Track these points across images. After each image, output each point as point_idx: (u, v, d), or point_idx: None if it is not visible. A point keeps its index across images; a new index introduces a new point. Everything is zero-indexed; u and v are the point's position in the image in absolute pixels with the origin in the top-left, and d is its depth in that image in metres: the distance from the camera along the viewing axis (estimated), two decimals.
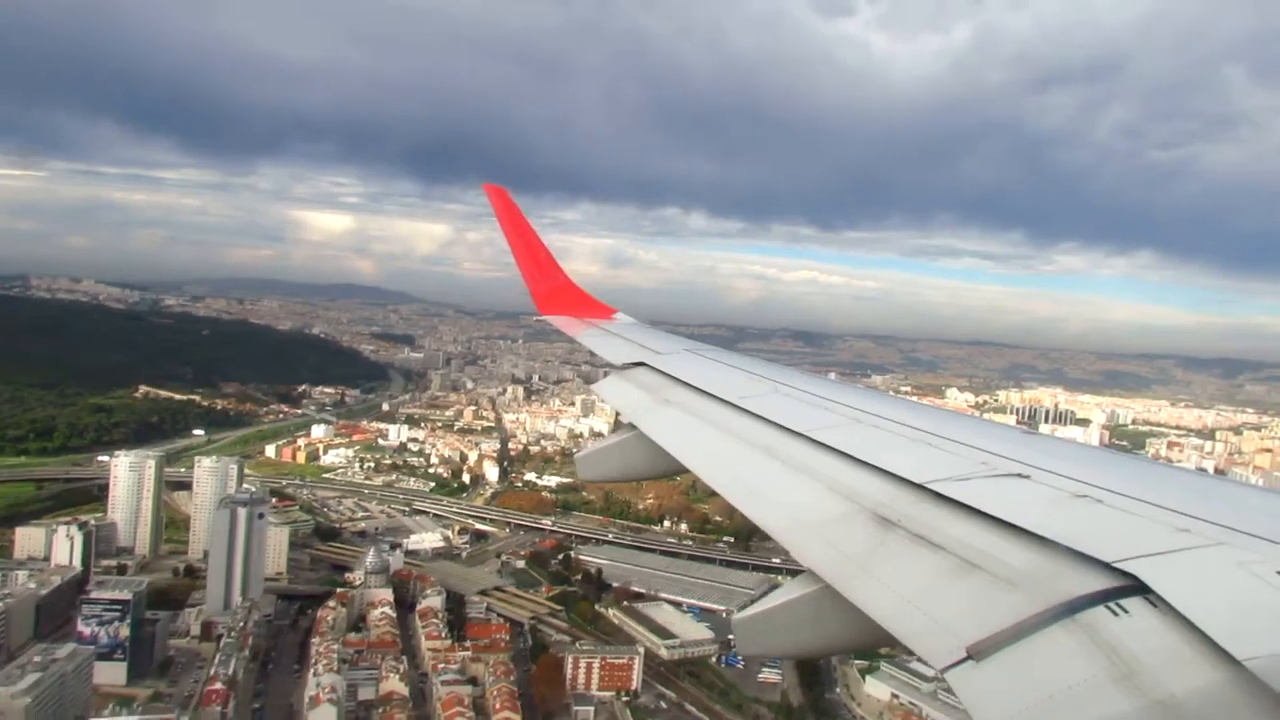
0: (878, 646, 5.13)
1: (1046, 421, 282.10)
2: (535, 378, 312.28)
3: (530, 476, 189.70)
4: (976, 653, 3.38)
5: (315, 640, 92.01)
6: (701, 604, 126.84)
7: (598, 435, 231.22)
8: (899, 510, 4.89)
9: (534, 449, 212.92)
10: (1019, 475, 5.17)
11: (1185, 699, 2.85)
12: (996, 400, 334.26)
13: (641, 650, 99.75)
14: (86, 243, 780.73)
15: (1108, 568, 3.63)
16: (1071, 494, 4.75)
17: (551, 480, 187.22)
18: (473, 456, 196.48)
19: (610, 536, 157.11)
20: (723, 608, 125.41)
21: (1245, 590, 3.39)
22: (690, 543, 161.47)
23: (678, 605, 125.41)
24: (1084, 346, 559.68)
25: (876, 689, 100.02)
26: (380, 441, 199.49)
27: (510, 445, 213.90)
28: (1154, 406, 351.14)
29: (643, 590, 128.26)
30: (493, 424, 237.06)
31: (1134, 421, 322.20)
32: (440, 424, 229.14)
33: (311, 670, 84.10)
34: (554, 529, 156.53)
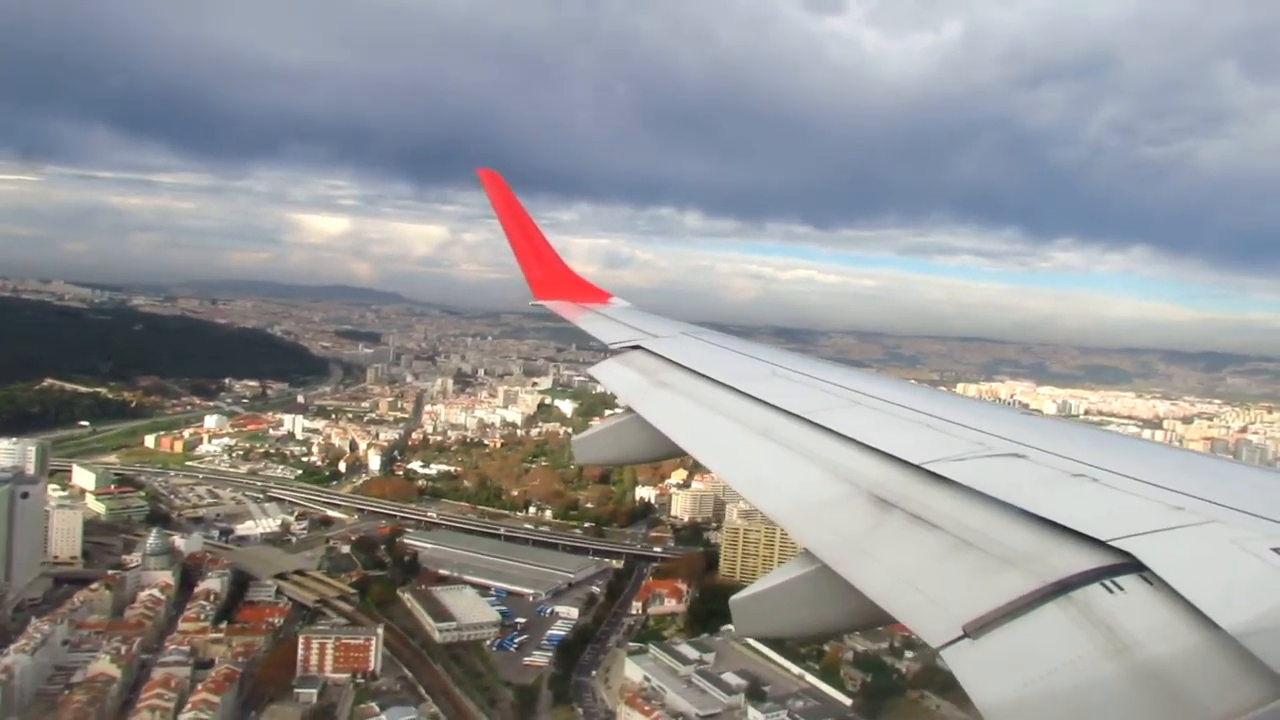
0: (876, 626, 4.93)
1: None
2: (481, 371, 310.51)
3: (415, 465, 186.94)
4: (973, 631, 3.37)
5: (35, 622, 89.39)
6: (510, 588, 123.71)
7: (509, 425, 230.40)
8: (896, 491, 4.84)
9: (436, 439, 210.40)
10: (1016, 455, 5.13)
11: (1180, 674, 2.85)
12: (954, 391, 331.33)
13: (380, 631, 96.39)
14: (83, 247, 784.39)
15: (1103, 546, 3.62)
16: (1067, 473, 4.73)
17: (435, 469, 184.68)
18: (363, 446, 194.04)
19: (455, 522, 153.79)
20: (530, 591, 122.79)
21: (1239, 566, 3.41)
22: (547, 529, 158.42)
23: (485, 589, 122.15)
24: (1078, 341, 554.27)
25: (634, 671, 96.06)
26: (271, 432, 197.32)
27: (415, 435, 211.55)
28: (1112, 398, 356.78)
29: (451, 574, 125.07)
30: (407, 415, 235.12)
31: (1086, 412, 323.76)
32: (351, 415, 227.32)
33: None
34: (403, 515, 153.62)
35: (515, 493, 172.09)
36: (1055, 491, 4.49)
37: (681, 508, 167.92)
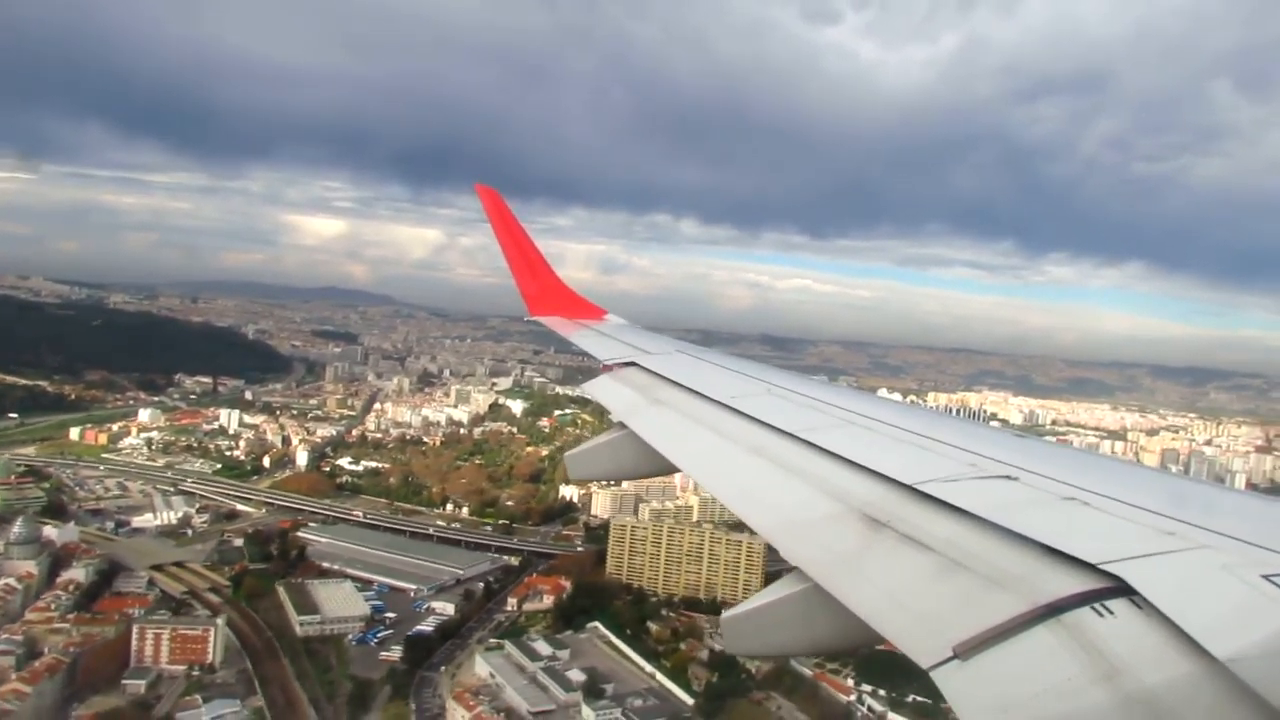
0: (866, 646, 4.91)
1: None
2: (447, 372, 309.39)
3: (344, 461, 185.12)
4: (963, 652, 3.36)
5: None
6: (394, 583, 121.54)
7: (455, 423, 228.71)
8: (888, 510, 4.83)
9: (376, 436, 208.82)
10: (1007, 477, 5.12)
11: (1168, 699, 2.85)
12: (924, 401, 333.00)
13: (221, 621, 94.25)
14: (78, 246, 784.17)
15: (1093, 569, 3.63)
16: (1059, 496, 4.74)
17: (364, 465, 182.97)
18: (295, 441, 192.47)
19: (361, 517, 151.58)
20: (414, 587, 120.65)
21: (1229, 593, 3.41)
22: (458, 525, 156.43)
23: (368, 584, 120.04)
24: (1067, 355, 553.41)
25: (482, 668, 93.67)
26: (205, 426, 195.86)
27: (355, 432, 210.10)
28: (1083, 409, 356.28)
29: (337, 568, 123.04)
30: (355, 413, 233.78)
31: (1054, 423, 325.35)
32: (297, 412, 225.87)
33: None
34: (312, 510, 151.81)
35: (435, 490, 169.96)
36: (1046, 514, 4.48)
37: (602, 506, 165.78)
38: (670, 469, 7.57)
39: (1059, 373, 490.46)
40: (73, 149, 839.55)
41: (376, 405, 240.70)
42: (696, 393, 8.41)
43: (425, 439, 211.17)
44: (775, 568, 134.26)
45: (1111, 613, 3.29)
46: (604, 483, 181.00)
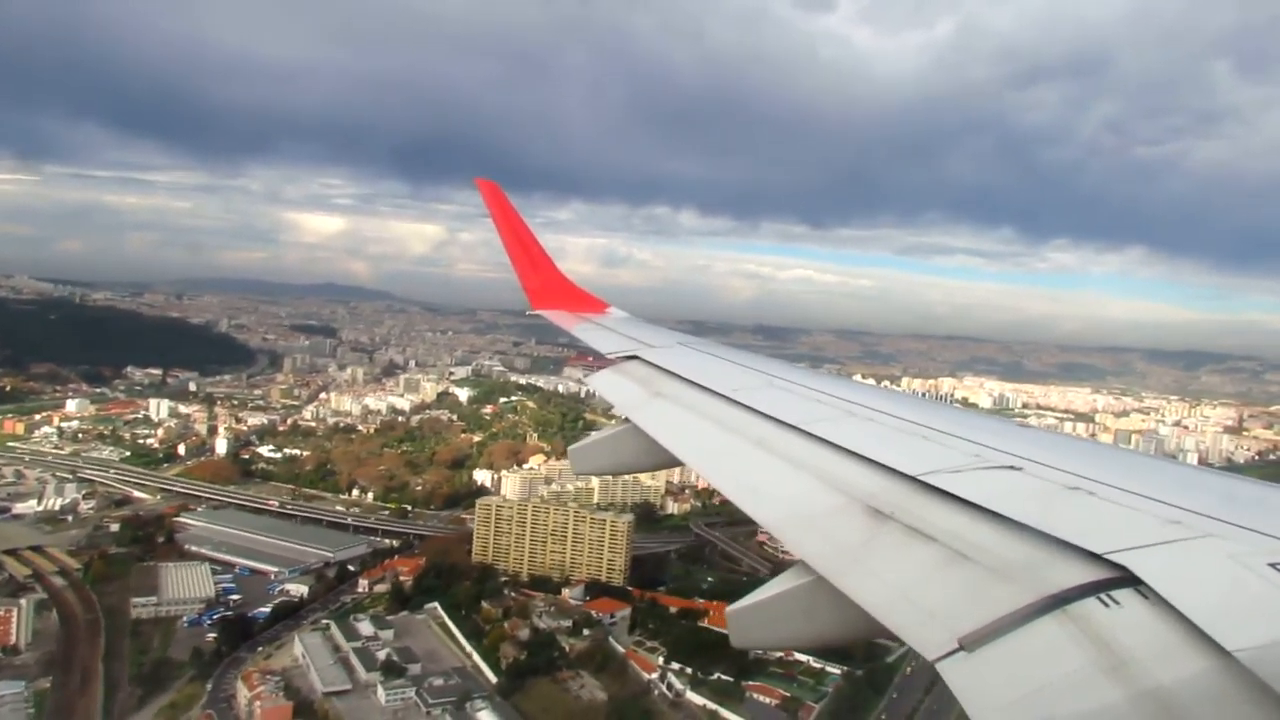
0: (871, 638, 5.08)
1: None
2: (413, 363, 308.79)
3: (265, 449, 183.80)
4: (968, 644, 3.34)
5: None
6: (257, 566, 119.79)
7: (397, 411, 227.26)
8: (892, 502, 4.81)
9: (310, 424, 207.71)
10: (1011, 468, 5.10)
11: (1175, 689, 2.82)
12: (897, 386, 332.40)
13: (25, 603, 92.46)
14: (81, 246, 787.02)
15: (1099, 559, 3.61)
16: (1063, 486, 4.71)
17: (284, 453, 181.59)
18: (221, 430, 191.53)
19: (252, 502, 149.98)
20: (275, 569, 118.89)
21: (1235, 581, 3.39)
22: (357, 510, 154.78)
23: (230, 566, 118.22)
24: (1067, 341, 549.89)
25: (297, 648, 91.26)
26: (131, 416, 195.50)
27: (289, 420, 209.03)
28: (1055, 392, 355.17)
29: (202, 551, 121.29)
30: (298, 402, 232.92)
31: (1024, 406, 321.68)
32: (238, 401, 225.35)
33: None
34: (207, 495, 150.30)
35: (345, 476, 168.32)
36: (1051, 504, 4.44)
37: (511, 489, 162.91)
38: (673, 463, 7.44)
39: (1051, 358, 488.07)
40: (73, 149, 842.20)
41: (323, 395, 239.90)
42: (699, 386, 8.31)
43: (360, 427, 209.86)
44: (640, 550, 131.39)
45: (1118, 603, 3.27)
46: (515, 466, 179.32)
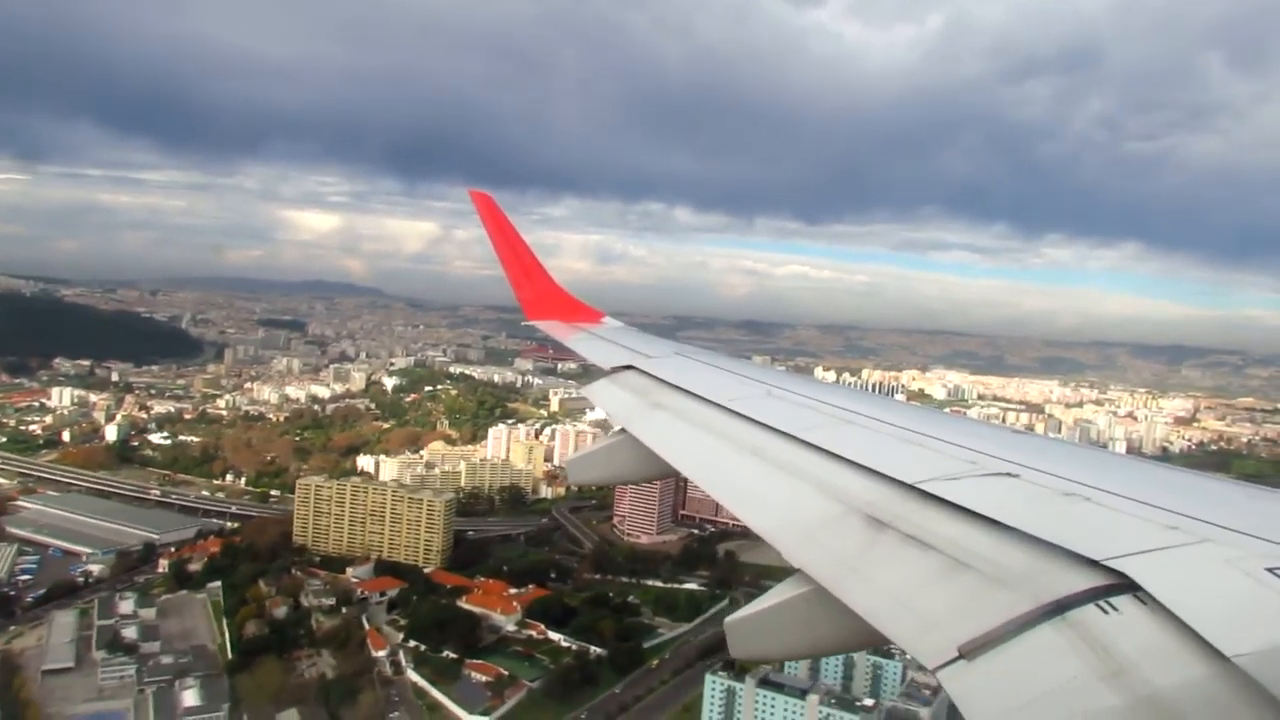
0: (870, 646, 5.11)
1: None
2: (363, 354, 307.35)
3: (156, 436, 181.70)
4: (968, 652, 3.33)
5: None
6: (71, 547, 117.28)
7: (317, 399, 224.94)
8: (890, 510, 4.77)
9: (217, 412, 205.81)
10: (1008, 474, 5.06)
11: (1174, 696, 2.80)
12: (859, 377, 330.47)
13: None
14: (76, 245, 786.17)
15: (1097, 566, 3.58)
16: (1060, 493, 4.67)
17: (171, 440, 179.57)
18: (118, 417, 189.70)
19: (99, 484, 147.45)
20: (88, 550, 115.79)
21: (1233, 587, 3.37)
22: (223, 495, 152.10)
23: (44, 547, 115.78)
24: (1056, 336, 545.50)
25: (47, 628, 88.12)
26: (27, 404, 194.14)
27: (196, 409, 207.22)
28: (1012, 385, 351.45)
29: (18, 532, 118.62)
30: (219, 391, 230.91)
31: (979, 397, 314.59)
32: (158, 390, 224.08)
33: None
34: (69, 479, 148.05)
35: (221, 461, 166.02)
36: (1048, 511, 4.39)
37: (390, 474, 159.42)
38: (671, 472, 7.17)
39: (1035, 353, 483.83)
40: (66, 149, 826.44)
41: (248, 385, 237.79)
42: (696, 395, 8.17)
43: (271, 415, 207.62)
44: (462, 528, 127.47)
45: (1116, 609, 3.24)
46: (407, 452, 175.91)
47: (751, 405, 7.40)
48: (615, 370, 10.16)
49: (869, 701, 71.51)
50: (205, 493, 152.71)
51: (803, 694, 70.91)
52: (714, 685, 73.56)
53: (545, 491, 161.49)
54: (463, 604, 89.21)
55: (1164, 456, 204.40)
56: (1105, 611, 3.23)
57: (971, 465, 5.24)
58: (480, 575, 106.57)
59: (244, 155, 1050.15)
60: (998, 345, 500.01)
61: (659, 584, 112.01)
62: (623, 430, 8.07)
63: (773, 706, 71.33)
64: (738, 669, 73.67)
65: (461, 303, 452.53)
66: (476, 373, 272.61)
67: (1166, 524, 3.96)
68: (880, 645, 4.43)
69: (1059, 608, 3.33)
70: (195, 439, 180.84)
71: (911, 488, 4.88)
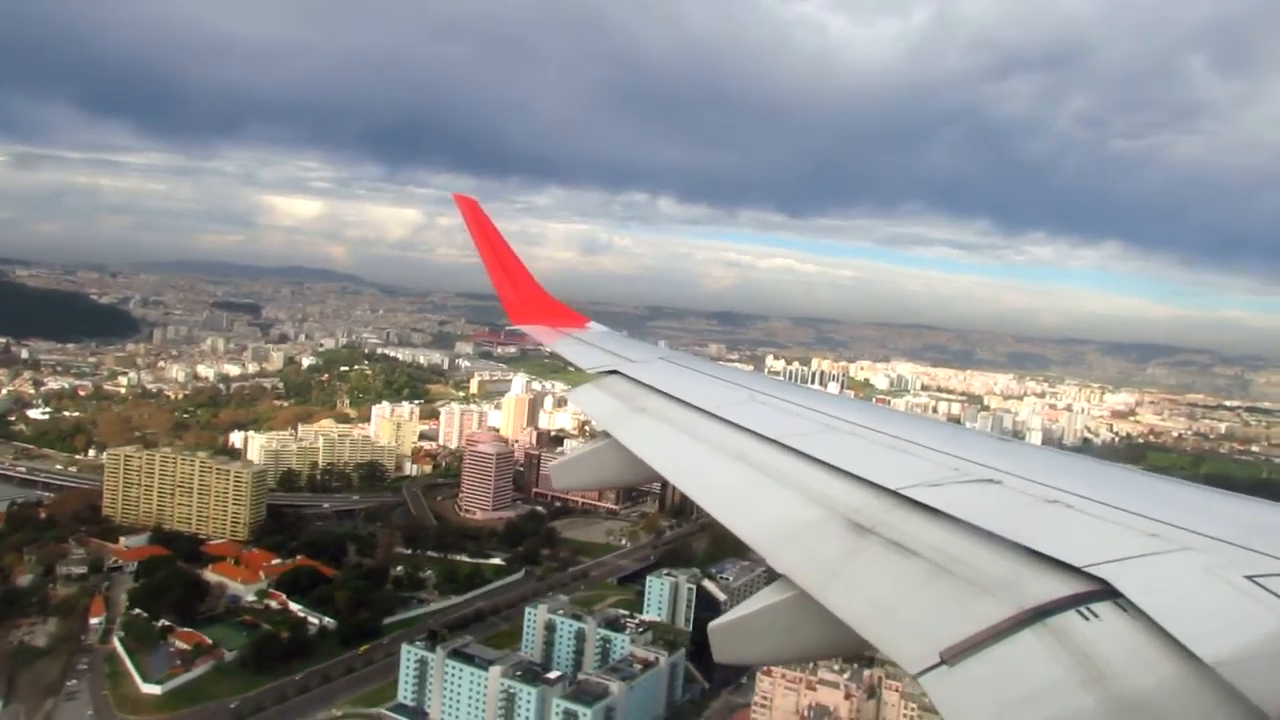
0: (853, 652, 5.11)
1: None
2: (303, 336, 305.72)
3: (35, 412, 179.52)
4: (950, 657, 3.33)
5: None
6: None
7: (225, 378, 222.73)
8: (873, 516, 4.77)
9: (115, 389, 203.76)
10: (991, 481, 5.08)
11: (1154, 701, 2.84)
12: (807, 366, 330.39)
13: None
14: (56, 229, 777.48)
15: (1078, 572, 3.61)
16: (1042, 499, 4.70)
17: (48, 415, 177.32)
18: (4, 392, 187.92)
19: None
20: None
21: (1213, 594, 3.39)
22: (74, 469, 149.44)
23: None
24: (1029, 333, 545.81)
25: None
26: None
27: (92, 385, 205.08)
28: (956, 376, 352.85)
29: None
30: (126, 369, 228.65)
31: (924, 388, 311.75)
32: (64, 368, 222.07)
33: None
34: None
35: (83, 436, 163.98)
36: (1030, 518, 4.42)
37: (255, 449, 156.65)
38: (654, 477, 7.22)
39: (1004, 347, 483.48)
40: (44, 130, 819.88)
41: (160, 363, 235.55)
42: (680, 400, 8.13)
43: (170, 393, 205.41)
44: (274, 501, 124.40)
45: (1097, 616, 3.26)
46: (290, 430, 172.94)
47: (736, 411, 7.32)
48: (600, 375, 10.00)
49: (554, 674, 68.52)
50: (59, 466, 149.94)
51: (487, 665, 68.03)
52: (409, 654, 70.79)
53: (410, 469, 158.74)
54: (207, 573, 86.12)
55: (1083, 448, 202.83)
56: (1086, 618, 3.23)
57: (955, 472, 5.22)
58: (297, 549, 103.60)
59: (225, 139, 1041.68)
60: (969, 340, 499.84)
61: (465, 558, 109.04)
62: (606, 434, 7.96)
63: (460, 676, 68.53)
64: (437, 639, 70.94)
65: (434, 289, 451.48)
66: (402, 355, 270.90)
67: (1147, 531, 3.94)
68: (863, 650, 4.25)
69: (1040, 614, 3.32)
70: (76, 414, 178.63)
71: (895, 494, 4.83)
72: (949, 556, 4.03)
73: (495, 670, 66.91)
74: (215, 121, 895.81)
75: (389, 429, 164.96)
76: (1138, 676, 2.89)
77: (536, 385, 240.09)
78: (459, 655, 69.06)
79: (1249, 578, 3.35)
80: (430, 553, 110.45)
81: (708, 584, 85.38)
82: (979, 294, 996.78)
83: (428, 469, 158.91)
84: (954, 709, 3.04)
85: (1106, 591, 3.35)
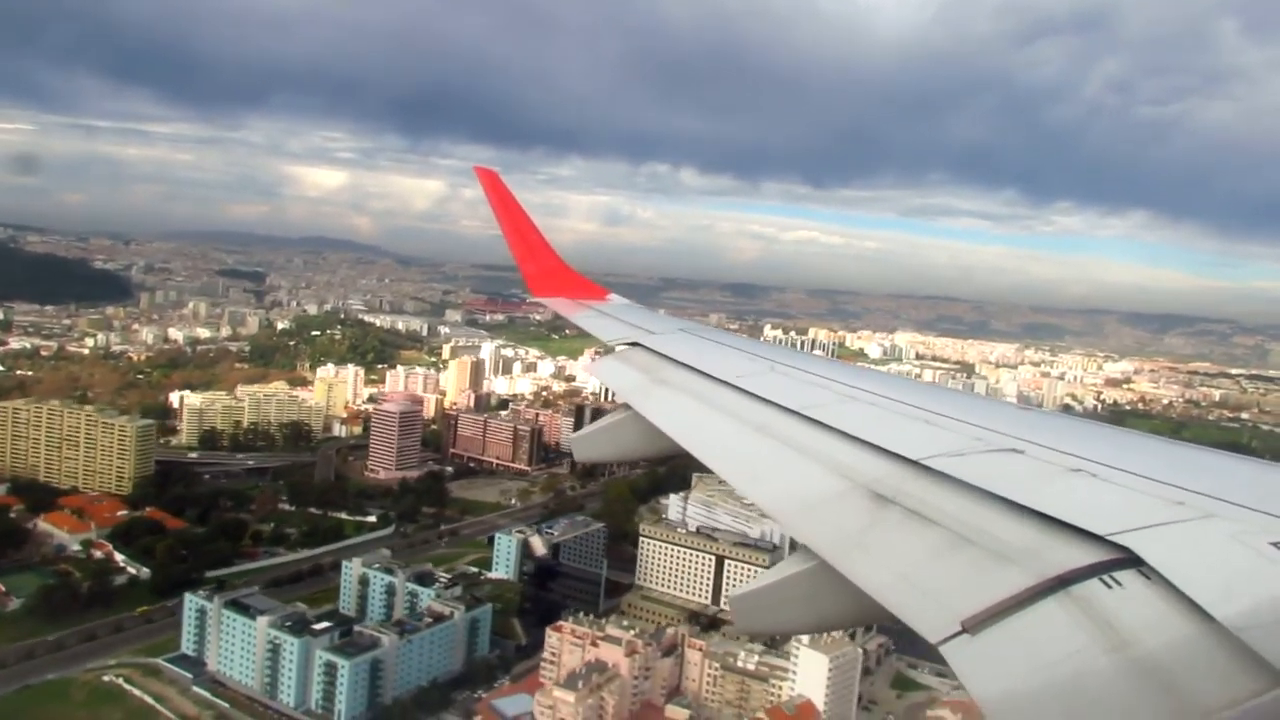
0: (874, 621, 5.02)
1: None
2: (295, 304, 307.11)
3: None
4: (971, 626, 3.33)
5: None
6: None
7: (193, 340, 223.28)
8: (894, 486, 4.75)
9: (78, 350, 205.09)
10: (1013, 450, 5.04)
11: (1178, 669, 2.81)
12: (804, 335, 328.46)
13: None
14: (82, 198, 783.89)
15: (1101, 540, 3.58)
16: (1065, 468, 4.65)
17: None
18: None
19: None
20: None
21: (1237, 561, 3.37)
22: None
23: None
24: (1049, 304, 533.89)
25: None
26: None
27: (54, 346, 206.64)
28: (950, 345, 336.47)
29: None
30: (97, 331, 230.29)
31: (918, 356, 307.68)
32: (35, 329, 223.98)
33: None
34: None
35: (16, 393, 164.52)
36: (1053, 486, 4.37)
37: (191, 409, 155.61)
38: (675, 449, 6.91)
39: (1020, 318, 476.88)
40: (74, 100, 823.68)
41: (134, 326, 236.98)
42: (701, 372, 8.07)
43: (133, 354, 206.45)
44: (164, 458, 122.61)
45: (1120, 584, 3.23)
46: (235, 391, 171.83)
47: (757, 382, 7.25)
48: (621, 346, 9.88)
49: (322, 626, 65.89)
50: None
51: (256, 615, 65.54)
52: (190, 604, 68.50)
53: (339, 430, 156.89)
54: (40, 522, 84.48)
55: (1064, 412, 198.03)
56: (1109, 586, 3.21)
57: (977, 441, 5.15)
58: (170, 504, 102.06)
59: (251, 109, 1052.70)
60: (985, 311, 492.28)
61: (346, 516, 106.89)
62: (627, 406, 7.89)
63: (234, 627, 66.08)
64: (216, 588, 68.41)
65: (450, 260, 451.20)
66: (382, 321, 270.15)
67: (1172, 499, 3.89)
68: (883, 620, 4.04)
69: (1063, 582, 3.30)
70: (26, 373, 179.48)
71: (916, 464, 4.78)
72: (971, 526, 3.95)
73: (263, 620, 64.47)
74: (242, 92, 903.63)
75: (322, 390, 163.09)
76: (1161, 644, 2.84)
77: (508, 351, 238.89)
78: (235, 605, 66.77)
79: (1275, 544, 3.29)
80: (313, 509, 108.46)
81: (534, 539, 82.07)
82: (1006, 265, 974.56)
83: (358, 430, 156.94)
84: (975, 677, 2.98)
85: (1130, 560, 3.30)
